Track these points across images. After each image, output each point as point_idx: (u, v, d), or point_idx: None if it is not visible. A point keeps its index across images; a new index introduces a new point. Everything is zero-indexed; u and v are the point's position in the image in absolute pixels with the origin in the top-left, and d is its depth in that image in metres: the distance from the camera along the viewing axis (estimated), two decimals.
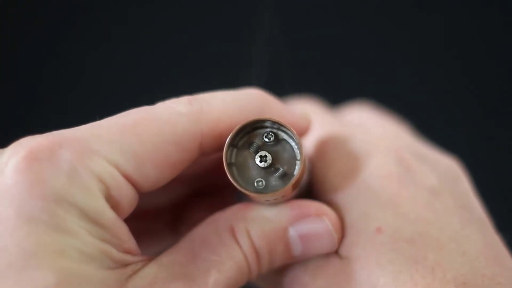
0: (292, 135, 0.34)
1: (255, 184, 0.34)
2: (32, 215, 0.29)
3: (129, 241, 0.32)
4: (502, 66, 0.86)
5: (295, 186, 0.34)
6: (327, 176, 0.38)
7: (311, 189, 0.39)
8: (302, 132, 0.37)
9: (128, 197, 0.32)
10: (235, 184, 0.33)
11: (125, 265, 0.32)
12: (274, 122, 0.34)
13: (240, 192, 0.34)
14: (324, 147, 0.40)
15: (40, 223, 0.29)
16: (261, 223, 0.34)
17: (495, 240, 0.36)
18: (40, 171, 0.30)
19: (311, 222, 0.35)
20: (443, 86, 0.87)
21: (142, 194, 0.33)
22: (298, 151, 0.34)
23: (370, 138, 0.39)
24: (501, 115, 0.85)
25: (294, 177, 0.33)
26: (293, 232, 0.35)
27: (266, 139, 0.34)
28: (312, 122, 0.38)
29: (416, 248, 0.34)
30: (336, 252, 0.36)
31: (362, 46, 0.87)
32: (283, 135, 0.34)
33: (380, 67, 0.86)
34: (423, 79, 0.87)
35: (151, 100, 0.34)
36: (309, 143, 0.41)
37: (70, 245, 0.29)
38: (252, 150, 0.34)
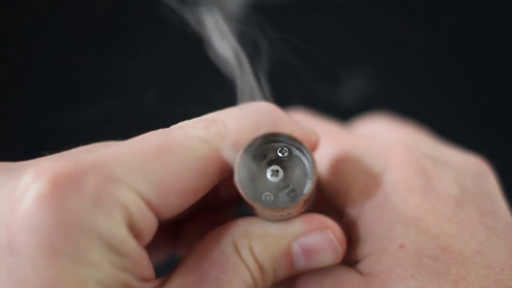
0: (306, 152, 0.33)
1: (263, 198, 0.33)
2: (53, 245, 0.28)
3: (148, 268, 0.31)
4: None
5: (304, 204, 0.34)
6: (349, 197, 0.38)
7: (332, 208, 0.39)
8: (311, 148, 0.36)
9: (150, 225, 0.31)
10: (243, 195, 0.32)
11: None
12: (289, 138, 0.33)
13: (246, 204, 0.34)
14: (341, 166, 0.39)
15: (62, 254, 0.28)
16: (264, 240, 0.34)
17: None
18: (64, 199, 0.29)
19: (315, 236, 0.35)
20: (458, 89, 0.85)
21: None
22: (311, 170, 0.33)
23: (388, 149, 0.39)
24: None
25: (304, 196, 0.33)
26: (296, 246, 0.34)
27: (280, 154, 0.34)
28: (323, 138, 0.38)
29: (439, 263, 0.34)
30: (357, 269, 0.36)
31: (371, 55, 0.85)
32: (296, 152, 0.34)
33: (392, 75, 0.85)
34: (436, 83, 0.86)
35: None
36: (322, 160, 0.40)
37: (91, 276, 0.29)
38: (264, 163, 0.33)
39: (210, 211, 0.41)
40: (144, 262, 0.31)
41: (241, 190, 0.32)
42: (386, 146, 0.40)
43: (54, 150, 0.32)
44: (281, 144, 0.34)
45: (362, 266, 0.36)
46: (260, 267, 0.33)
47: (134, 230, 0.30)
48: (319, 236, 0.35)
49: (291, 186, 0.33)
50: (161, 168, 0.31)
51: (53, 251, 0.28)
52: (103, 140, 0.34)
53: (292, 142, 0.34)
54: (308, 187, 0.33)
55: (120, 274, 0.30)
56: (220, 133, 0.33)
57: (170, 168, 0.31)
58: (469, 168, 0.39)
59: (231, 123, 0.33)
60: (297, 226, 0.34)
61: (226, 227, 0.34)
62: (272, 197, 0.33)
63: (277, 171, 0.33)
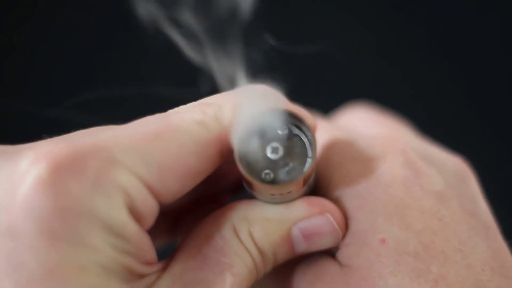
0: (306, 130, 0.34)
1: (263, 176, 0.33)
2: (54, 229, 0.28)
3: (151, 251, 0.31)
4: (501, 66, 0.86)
5: (303, 183, 0.34)
6: (331, 181, 0.37)
7: (316, 192, 0.39)
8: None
9: (151, 209, 0.31)
10: (243, 172, 0.32)
11: (143, 276, 0.31)
12: (290, 115, 0.33)
13: (246, 185, 0.34)
14: (328, 152, 0.39)
15: (62, 238, 0.28)
16: (264, 225, 0.34)
17: (502, 249, 0.36)
18: (63, 183, 0.29)
19: (315, 220, 0.35)
20: (443, 85, 0.86)
21: None
22: (311, 148, 0.33)
23: (375, 139, 0.39)
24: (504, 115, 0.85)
25: (303, 174, 0.33)
26: (296, 231, 0.34)
27: (280, 132, 0.34)
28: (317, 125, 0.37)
29: (420, 260, 0.34)
30: (336, 259, 0.36)
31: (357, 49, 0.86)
32: (296, 131, 0.34)
33: (376, 70, 0.85)
34: (420, 79, 0.86)
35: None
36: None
37: (92, 260, 0.29)
38: (264, 141, 0.33)
39: (210, 200, 0.41)
40: (146, 246, 0.31)
41: (241, 168, 0.32)
42: (374, 136, 0.40)
43: (53, 134, 0.32)
44: (281, 122, 0.34)
45: (341, 256, 0.36)
46: (260, 251, 0.34)
47: (135, 213, 0.30)
48: (319, 220, 0.35)
49: (291, 164, 0.33)
50: (160, 152, 0.31)
51: (53, 235, 0.28)
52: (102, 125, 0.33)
53: (292, 120, 0.34)
54: (308, 165, 0.33)
55: (121, 257, 0.30)
56: (216, 115, 0.33)
57: (169, 151, 0.31)
58: (452, 167, 0.39)
59: (227, 105, 0.34)
60: (297, 210, 0.34)
61: (225, 210, 0.34)
62: (272, 175, 0.33)
63: (277, 148, 0.33)
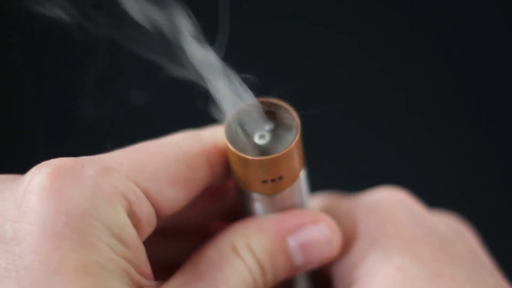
0: (291, 117, 0.35)
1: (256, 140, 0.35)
2: (56, 231, 0.30)
3: (146, 264, 0.33)
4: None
5: (291, 169, 0.35)
6: (344, 229, 0.39)
7: None
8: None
9: (148, 215, 0.33)
10: (234, 150, 0.34)
11: (141, 287, 0.32)
12: (273, 105, 0.36)
13: (238, 183, 0.36)
14: (330, 204, 0.41)
15: (64, 238, 0.30)
16: (260, 235, 0.35)
17: (507, 286, 0.38)
18: (64, 187, 0.31)
19: (309, 229, 0.37)
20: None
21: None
22: (295, 132, 0.35)
23: (376, 193, 0.41)
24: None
25: (291, 145, 0.34)
26: (292, 241, 0.36)
27: (266, 123, 0.36)
28: None
29: (434, 284, 0.35)
30: None
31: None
32: (282, 119, 0.36)
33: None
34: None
35: None
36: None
37: (93, 260, 0.30)
38: (251, 130, 0.36)
39: None
40: (142, 257, 0.32)
41: (231, 146, 0.35)
42: (378, 192, 0.41)
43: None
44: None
45: (356, 286, 0.37)
46: (259, 263, 0.35)
47: (133, 218, 0.32)
48: (312, 229, 0.37)
49: (279, 151, 0.35)
50: (152, 161, 0.34)
51: (55, 236, 0.30)
52: None
53: (276, 110, 0.36)
54: (292, 140, 0.35)
55: (121, 261, 0.31)
56: (197, 134, 0.36)
57: (159, 160, 0.34)
58: (450, 223, 0.41)
59: (207, 130, 0.37)
60: (291, 217, 0.37)
61: (223, 232, 0.36)
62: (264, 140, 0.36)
63: (264, 135, 0.36)
